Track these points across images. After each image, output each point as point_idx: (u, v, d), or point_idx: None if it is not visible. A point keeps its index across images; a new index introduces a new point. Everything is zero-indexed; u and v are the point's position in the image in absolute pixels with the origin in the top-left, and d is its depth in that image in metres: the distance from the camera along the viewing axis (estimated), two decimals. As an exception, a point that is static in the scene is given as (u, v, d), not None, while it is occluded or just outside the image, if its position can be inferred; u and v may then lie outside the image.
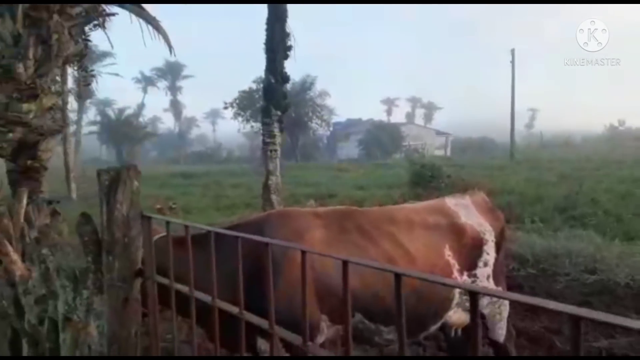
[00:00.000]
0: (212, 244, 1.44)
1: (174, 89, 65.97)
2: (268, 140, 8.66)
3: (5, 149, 4.52)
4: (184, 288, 1.53)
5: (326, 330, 3.05)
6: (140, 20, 5.44)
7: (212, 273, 1.48)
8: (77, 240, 1.96)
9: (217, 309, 1.45)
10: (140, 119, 52.56)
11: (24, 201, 3.79)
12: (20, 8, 4.27)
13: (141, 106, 55.78)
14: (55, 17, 4.43)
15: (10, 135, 4.46)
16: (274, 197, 8.55)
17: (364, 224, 3.04)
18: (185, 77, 65.62)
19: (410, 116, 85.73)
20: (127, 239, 1.65)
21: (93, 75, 6.32)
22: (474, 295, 1.02)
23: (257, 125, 39.82)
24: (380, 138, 43.91)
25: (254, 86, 36.59)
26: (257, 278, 1.69)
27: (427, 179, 14.76)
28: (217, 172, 27.99)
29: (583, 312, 0.83)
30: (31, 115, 4.52)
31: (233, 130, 51.16)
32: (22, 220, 2.39)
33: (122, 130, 44.48)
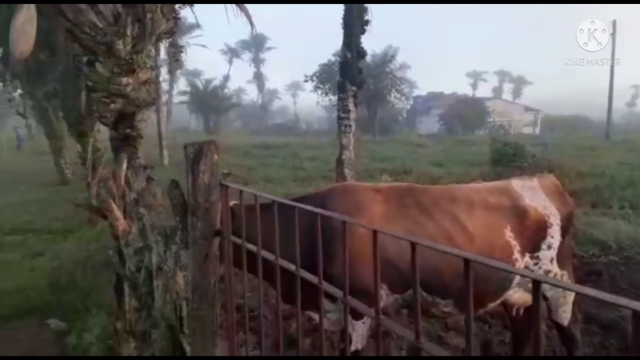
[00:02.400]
0: (275, 213, 1.64)
1: (257, 61, 67.62)
2: (343, 115, 8.79)
3: (108, 118, 5.06)
4: (252, 248, 1.76)
5: (385, 297, 3.23)
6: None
7: (275, 238, 1.68)
8: (168, 203, 2.27)
9: (280, 267, 1.65)
10: (226, 90, 54.63)
11: (124, 166, 4.27)
12: (120, -11, 4.70)
13: (227, 77, 57.99)
14: (150, -4, 4.82)
15: (112, 106, 4.98)
16: (346, 171, 8.72)
17: (424, 201, 3.12)
18: (269, 49, 66.91)
19: (497, 91, 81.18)
20: (208, 203, 1.91)
21: (182, 51, 6.82)
22: (536, 284, 1.00)
23: (335, 99, 40.04)
24: (463, 113, 42.27)
25: (333, 59, 36.58)
26: (319, 240, 1.74)
27: (509, 158, 14.19)
28: (296, 144, 28.65)
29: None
30: (129, 88, 4.99)
31: (313, 103, 51.72)
32: (122, 182, 2.76)
33: (209, 101, 46.56)
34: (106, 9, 4.80)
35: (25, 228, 8.63)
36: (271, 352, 3.28)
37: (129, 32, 4.94)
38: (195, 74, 52.54)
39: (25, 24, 4.15)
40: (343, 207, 2.93)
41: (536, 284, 1.00)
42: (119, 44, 4.85)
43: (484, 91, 75.59)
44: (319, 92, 39.22)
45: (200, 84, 49.41)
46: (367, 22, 8.09)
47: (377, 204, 3.04)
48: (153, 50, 6.84)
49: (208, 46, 30.76)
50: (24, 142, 30.62)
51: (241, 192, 1.82)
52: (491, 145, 16.58)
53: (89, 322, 4.49)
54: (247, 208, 2.00)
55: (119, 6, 4.82)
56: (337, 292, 1.53)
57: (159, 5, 5.05)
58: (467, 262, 1.16)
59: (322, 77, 38.01)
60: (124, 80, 4.98)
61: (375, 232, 1.46)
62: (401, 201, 3.06)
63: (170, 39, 6.29)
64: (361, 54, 8.42)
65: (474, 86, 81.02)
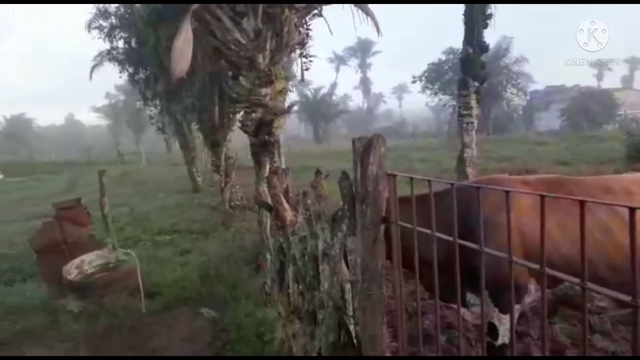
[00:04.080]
0: (453, 196, 1.75)
1: (363, 66, 68.36)
2: (464, 112, 8.61)
3: (250, 126, 5.59)
4: (425, 230, 1.88)
5: (534, 292, 3.15)
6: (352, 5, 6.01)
7: (452, 220, 1.78)
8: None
9: (458, 246, 1.75)
10: (333, 97, 55.90)
11: (267, 168, 4.69)
12: (260, 7, 5.18)
13: (334, 85, 59.34)
14: (287, 11, 5.25)
15: (253, 115, 5.50)
16: (469, 170, 8.53)
17: (576, 192, 2.99)
18: (374, 53, 67.20)
19: (627, 80, 72.72)
20: (376, 192, 2.08)
21: (313, 57, 7.27)
22: None
23: (445, 98, 39.05)
24: (588, 106, 38.58)
25: (443, 57, 35.68)
26: (468, 237, 1.79)
27: (648, 153, 12.77)
28: (404, 147, 28.37)
29: None
30: (267, 98, 5.48)
31: (419, 106, 50.80)
32: (285, 179, 3.08)
33: (318, 108, 48.01)
34: (248, 26, 5.34)
35: (170, 229, 9.69)
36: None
37: (267, 46, 5.44)
38: (305, 83, 54.54)
39: (184, 45, 4.77)
40: (491, 199, 2.92)
41: None
42: (260, 58, 5.37)
43: (611, 81, 68.06)
44: (428, 92, 38.50)
45: (309, 93, 51.18)
46: (489, 16, 7.88)
47: (526, 196, 3.00)
48: (287, 61, 7.39)
49: (316, 55, 31.79)
50: None
51: (412, 179, 1.95)
52: (626, 139, 15.01)
53: (238, 310, 4.96)
54: (401, 199, 2.15)
55: (259, 22, 5.33)
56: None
57: (293, 18, 5.47)
58: (632, 210, 1.16)
59: (431, 76, 37.27)
60: (263, 90, 5.51)
61: (507, 193, 1.55)
62: (550, 192, 2.98)
63: (302, 50, 6.74)
64: (483, 48, 8.21)
65: (599, 77, 73.42)
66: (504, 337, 3.08)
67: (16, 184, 24.40)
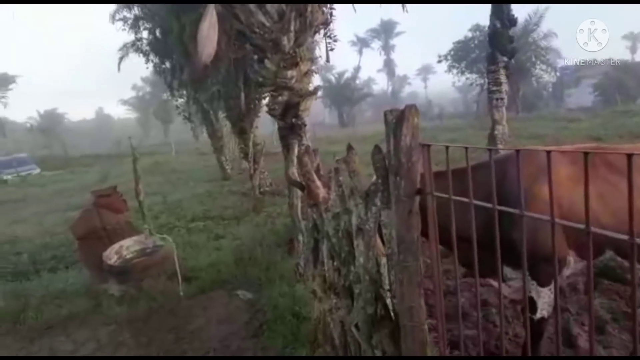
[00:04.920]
0: (491, 160, 1.73)
1: (387, 48, 67.34)
2: (494, 88, 8.43)
3: (276, 110, 5.60)
4: (463, 199, 1.87)
5: (573, 264, 3.10)
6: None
7: (488, 193, 1.76)
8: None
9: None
10: (357, 81, 55.42)
11: (295, 150, 4.71)
12: (285, -12, 5.15)
13: (357, 68, 58.58)
14: (310, -9, 5.20)
15: (280, 98, 5.51)
16: (500, 147, 8.37)
17: (615, 160, 2.90)
18: (398, 34, 66.10)
19: (662, 51, 69.64)
20: (409, 163, 2.06)
21: (336, 41, 7.21)
22: None
23: (473, 77, 38.18)
24: (622, 80, 37.11)
25: (469, 35, 34.81)
26: (503, 211, 1.75)
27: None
28: (432, 129, 28.00)
29: None
30: (293, 80, 5.47)
31: (445, 86, 49.90)
32: (316, 158, 3.09)
33: (341, 93, 47.73)
34: (272, 8, 5.31)
35: (203, 216, 9.88)
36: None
37: (292, 28, 5.42)
38: (328, 68, 54.18)
39: (209, 29, 4.79)
40: (526, 170, 2.87)
41: None
42: (284, 40, 5.35)
43: (645, 54, 65.22)
44: (454, 71, 37.70)
45: (333, 78, 50.89)
46: (518, -12, 7.65)
47: (563, 166, 2.93)
48: (312, 42, 7.36)
49: (339, 39, 31.48)
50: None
51: (447, 147, 1.94)
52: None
53: (273, 291, 5.05)
54: (435, 174, 2.14)
55: (283, 5, 5.30)
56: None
57: (317, -3, 5.42)
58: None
59: (457, 55, 36.43)
60: (289, 73, 5.50)
61: (548, 153, 1.59)
62: (589, 161, 2.90)
63: (326, 30, 6.70)
64: (512, 21, 7.99)
65: (633, 49, 70.35)
66: (542, 311, 3.05)
67: (52, 177, 25.27)
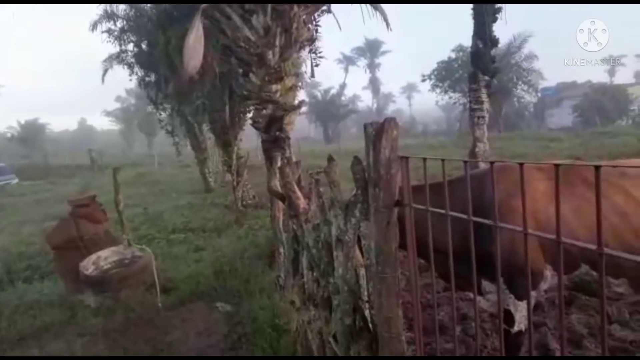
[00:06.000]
0: (466, 173, 1.77)
1: (372, 66, 68.19)
2: (475, 106, 8.60)
3: (260, 122, 5.65)
4: (440, 210, 1.90)
5: (550, 278, 3.14)
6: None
7: (465, 208, 1.80)
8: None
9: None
10: (343, 98, 55.88)
11: (278, 162, 4.73)
12: (269, 5, 5.24)
13: (343, 86, 59.14)
14: (295, 8, 5.29)
15: (264, 111, 5.56)
16: (482, 165, 8.49)
17: (591, 177, 2.98)
18: (383, 53, 67.05)
19: (639, 76, 71.83)
20: (388, 175, 2.10)
21: (322, 57, 7.30)
22: None
23: (455, 96, 38.83)
24: (601, 102, 38.15)
25: (452, 55, 35.48)
26: (481, 225, 1.78)
27: (663, 147, 12.62)
28: (415, 146, 28.28)
29: None
30: (278, 94, 5.53)
31: (429, 104, 50.54)
32: (298, 170, 3.12)
33: (327, 109, 48.07)
34: (257, 23, 5.39)
35: (184, 228, 9.79)
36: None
37: (277, 43, 5.49)
38: (314, 85, 54.57)
39: (195, 42, 4.83)
40: (503, 186, 2.91)
41: None
42: (269, 54, 5.42)
43: (623, 77, 67.00)
44: (437, 90, 38.34)
45: (319, 94, 51.25)
46: (499, 10, 7.86)
47: (540, 182, 2.99)
48: (297, 57, 7.46)
49: (325, 56, 31.82)
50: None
51: (425, 159, 1.97)
52: (641, 134, 14.86)
53: (252, 303, 5.01)
54: (416, 188, 2.18)
55: (268, 19, 5.38)
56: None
57: (302, 15, 5.52)
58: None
59: (441, 75, 37.10)
60: (274, 87, 5.57)
61: (521, 165, 1.62)
62: (566, 178, 2.95)
63: (311, 46, 6.78)
64: (493, 42, 8.19)
65: (611, 72, 72.36)
66: (520, 324, 3.07)
67: (31, 187, 24.76)
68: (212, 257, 6.86)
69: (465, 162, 1.81)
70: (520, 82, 36.80)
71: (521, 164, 1.58)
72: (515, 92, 37.80)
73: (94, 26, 13.83)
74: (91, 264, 5.10)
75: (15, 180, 27.62)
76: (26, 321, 5.02)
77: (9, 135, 57.06)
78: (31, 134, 56.21)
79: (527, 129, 38.84)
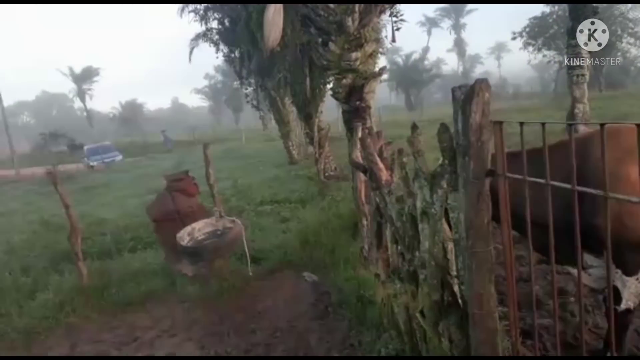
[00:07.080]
0: (571, 137, 1.58)
1: (457, 27, 64.81)
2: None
3: (340, 93, 5.56)
4: (539, 180, 1.73)
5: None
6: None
7: (567, 176, 1.62)
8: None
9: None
10: (425, 62, 53.84)
11: (359, 132, 4.64)
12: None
13: (426, 49, 56.88)
14: (374, -30, 5.08)
15: (344, 81, 5.46)
16: (581, 127, 7.79)
17: None
18: (469, 11, 63.35)
19: None
20: (479, 142, 1.94)
21: (403, 20, 6.99)
22: None
23: (550, 54, 35.83)
24: None
25: (547, 10, 32.60)
26: (584, 194, 1.64)
27: None
28: (506, 110, 26.65)
29: None
30: (358, 62, 5.39)
31: (519, 65, 47.19)
32: (380, 140, 3.03)
33: (409, 75, 46.63)
34: (337, -12, 5.24)
35: (271, 199, 10.09)
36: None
37: (356, 8, 5.32)
38: (395, 50, 52.97)
39: (275, 15, 4.82)
40: (612, 153, 2.62)
41: None
42: (349, 21, 5.27)
43: None
44: (530, 49, 35.53)
45: (400, 60, 49.79)
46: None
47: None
48: (377, 22, 7.22)
49: (406, 20, 30.66)
50: (170, 143, 34.84)
51: (521, 124, 1.80)
52: None
53: (338, 274, 5.06)
54: (511, 155, 2.00)
55: (347, -15, 5.21)
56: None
57: (382, -24, 5.29)
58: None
59: (534, 31, 34.26)
60: (353, 55, 5.43)
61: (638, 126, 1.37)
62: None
63: (392, 9, 6.50)
64: (596, -10, 7.35)
65: None
66: (628, 302, 2.81)
67: (133, 163, 27.00)
68: (298, 228, 7.01)
69: (569, 124, 1.62)
70: (625, 35, 33.03)
71: (638, 125, 1.37)
72: (619, 45, 34.01)
73: (182, 10, 14.44)
74: (187, 235, 5.41)
75: (120, 157, 30.17)
76: (133, 288, 5.48)
77: (111, 115, 62.27)
78: (130, 114, 60.89)
79: (632, 85, 34.96)
